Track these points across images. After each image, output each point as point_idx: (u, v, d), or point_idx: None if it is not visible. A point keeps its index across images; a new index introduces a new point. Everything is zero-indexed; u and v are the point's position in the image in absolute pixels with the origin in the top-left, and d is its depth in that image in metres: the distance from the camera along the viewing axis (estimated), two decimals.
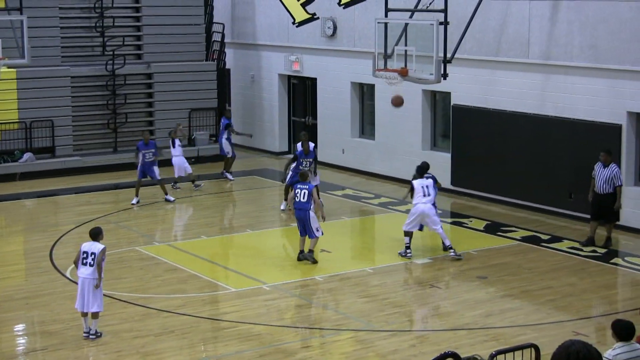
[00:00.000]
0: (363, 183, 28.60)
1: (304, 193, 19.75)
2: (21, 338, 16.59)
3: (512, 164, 24.88)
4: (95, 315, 15.56)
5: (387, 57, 23.65)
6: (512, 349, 11.13)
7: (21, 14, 28.25)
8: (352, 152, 30.38)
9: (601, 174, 20.98)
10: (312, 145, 24.61)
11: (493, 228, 23.08)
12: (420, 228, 20.62)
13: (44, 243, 21.93)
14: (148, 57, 32.73)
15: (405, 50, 22.99)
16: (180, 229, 23.51)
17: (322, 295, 18.18)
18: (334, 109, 30.96)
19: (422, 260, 20.50)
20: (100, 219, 23.42)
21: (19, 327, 17.01)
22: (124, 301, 17.59)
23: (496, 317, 16.64)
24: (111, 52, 31.70)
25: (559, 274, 19.24)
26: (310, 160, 24.18)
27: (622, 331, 10.55)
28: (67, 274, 19.30)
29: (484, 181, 25.76)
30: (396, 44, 23.43)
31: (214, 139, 32.97)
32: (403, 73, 22.89)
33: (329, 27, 30.73)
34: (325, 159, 31.22)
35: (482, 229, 23.10)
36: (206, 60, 33.80)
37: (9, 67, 28.93)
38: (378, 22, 23.97)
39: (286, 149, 33.65)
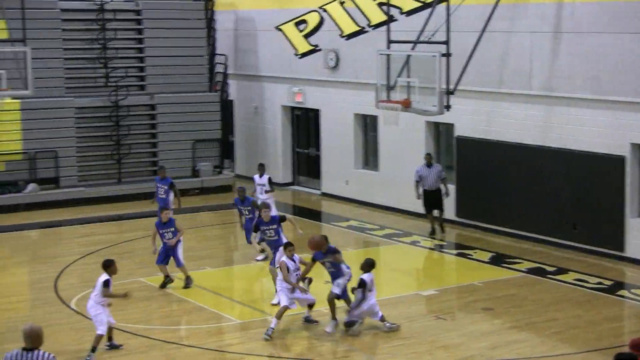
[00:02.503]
0: (367, 214, 28.59)
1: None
2: None
3: (515, 196, 24.88)
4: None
5: (389, 88, 23.74)
6: None
7: (25, 45, 28.34)
8: (355, 183, 30.39)
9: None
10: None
11: (498, 259, 23.05)
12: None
13: (48, 274, 21.91)
14: (151, 88, 32.83)
15: (408, 82, 23.09)
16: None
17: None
18: (337, 140, 31.00)
19: (428, 291, 20.47)
20: (104, 250, 23.41)
21: None
22: (128, 332, 17.56)
23: (502, 349, 16.59)
24: (114, 83, 31.81)
25: (564, 306, 19.20)
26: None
27: None
28: (72, 305, 19.27)
29: (488, 212, 25.75)
30: (399, 76, 23.54)
31: (218, 170, 33.03)
32: (405, 104, 22.97)
33: (331, 59, 30.82)
34: (328, 190, 31.29)
35: (487, 260, 23.07)
36: (209, 91, 33.89)
37: (12, 98, 29.07)
38: (380, 54, 24.07)
39: (290, 180, 33.67)
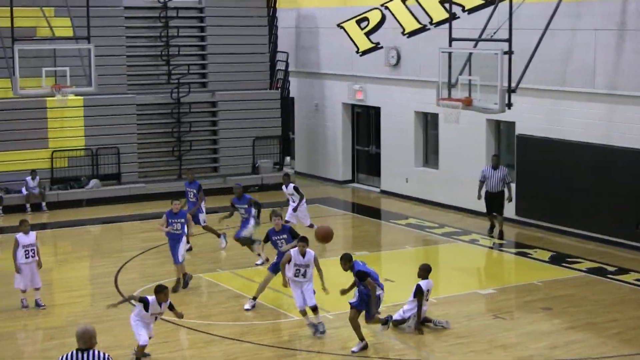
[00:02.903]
0: (426, 212, 28.50)
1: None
2: None
3: (577, 195, 24.63)
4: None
5: (451, 86, 23.62)
6: None
7: (89, 42, 28.60)
8: (415, 181, 30.30)
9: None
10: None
11: (558, 259, 22.85)
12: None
13: (109, 269, 22.13)
14: (213, 86, 33.01)
15: (469, 80, 22.97)
16: (243, 256, 23.49)
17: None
18: (397, 138, 30.93)
19: (486, 290, 20.35)
20: (164, 245, 23.47)
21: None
22: (188, 328, 17.67)
23: (561, 350, 16.44)
24: (176, 81, 32.02)
25: (625, 307, 18.97)
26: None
27: None
28: (132, 300, 19.40)
29: (549, 212, 25.53)
30: (460, 74, 23.41)
31: (278, 167, 33.12)
32: (467, 102, 22.86)
33: (392, 57, 30.76)
34: (388, 188, 31.24)
35: (547, 259, 22.88)
36: (270, 88, 33.98)
37: (76, 95, 29.36)
38: (442, 52, 23.96)
39: (350, 177, 33.66)
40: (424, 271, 17.66)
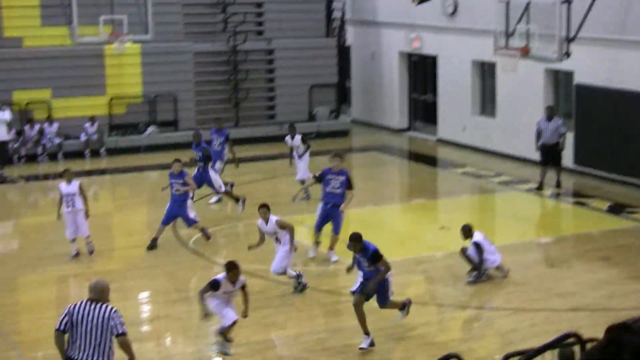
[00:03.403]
0: (483, 161, 28.38)
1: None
2: (146, 305, 16.97)
3: (636, 144, 24.37)
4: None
5: (508, 35, 23.41)
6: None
7: None
8: (472, 130, 30.18)
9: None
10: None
11: (616, 209, 22.68)
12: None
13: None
14: (269, 34, 32.99)
15: (527, 29, 22.75)
16: (300, 204, 23.61)
17: (442, 272, 18.10)
18: (454, 87, 30.78)
19: (544, 239, 20.31)
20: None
21: (143, 295, 17.41)
22: (247, 272, 17.79)
23: (619, 299, 16.38)
24: (233, 29, 32.04)
25: None
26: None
27: None
28: (190, 245, 19.64)
29: (607, 161, 25.29)
30: (518, 23, 23.19)
31: (334, 114, 33.14)
32: (524, 51, 22.67)
33: (449, 5, 30.51)
34: (445, 137, 31.16)
35: (605, 209, 22.72)
36: (327, 36, 33.90)
37: (133, 43, 29.51)
38: (499, 1, 23.73)
39: (406, 126, 33.60)
40: (468, 230, 17.43)
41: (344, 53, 34.63)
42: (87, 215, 18.81)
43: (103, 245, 19.76)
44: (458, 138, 30.70)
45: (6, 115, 27.25)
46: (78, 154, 29.01)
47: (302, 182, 22.75)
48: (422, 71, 33.16)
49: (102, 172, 28.13)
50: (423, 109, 33.29)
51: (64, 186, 18.72)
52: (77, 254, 18.96)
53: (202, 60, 31.75)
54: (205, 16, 32.58)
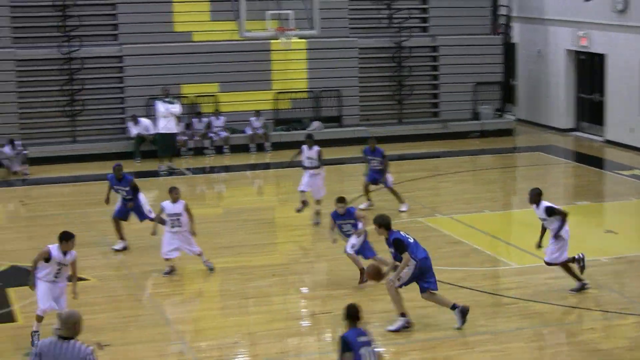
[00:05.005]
0: None
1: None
2: (306, 300, 17.09)
3: None
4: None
5: None
6: None
7: None
8: None
9: None
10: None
11: None
12: None
13: (330, 209, 22.39)
14: (434, 30, 32.86)
15: None
16: (462, 203, 23.44)
17: (607, 277, 17.69)
18: (623, 86, 30.03)
19: None
20: (384, 188, 23.62)
21: (304, 289, 17.56)
22: None
23: None
24: (398, 25, 32.03)
25: None
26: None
27: None
28: None
29: None
30: None
31: (499, 113, 32.79)
32: None
33: (619, 2, 29.78)
34: (612, 138, 30.46)
35: None
36: (492, 34, 33.55)
37: (299, 38, 29.83)
38: None
39: (572, 126, 32.96)
40: (538, 195, 16.49)
41: (509, 51, 34.20)
42: (193, 233, 17.82)
43: (265, 239, 20.02)
44: (626, 139, 29.93)
45: (176, 108, 27.90)
46: (243, 148, 29.49)
47: (319, 201, 21.59)
48: (589, 70, 32.45)
49: (266, 166, 28.54)
50: (590, 109, 32.59)
51: (169, 206, 17.65)
52: (170, 272, 18.00)
53: (366, 56, 31.86)
54: (370, 11, 32.67)
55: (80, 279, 15.72)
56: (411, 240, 14.82)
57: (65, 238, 14.28)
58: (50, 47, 29.17)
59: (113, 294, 17.08)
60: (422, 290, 14.86)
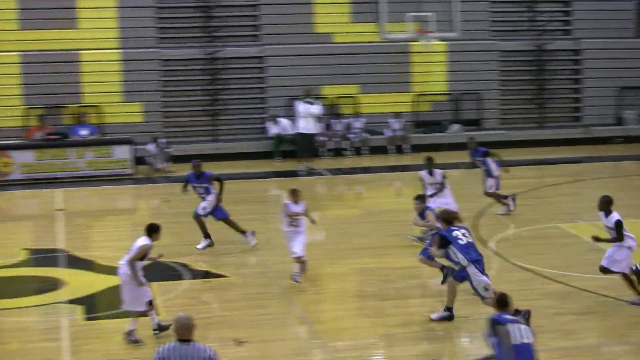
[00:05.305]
0: None
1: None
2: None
3: None
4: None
5: None
6: None
7: None
8: None
9: None
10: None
11: None
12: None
13: (466, 214, 22.26)
14: (577, 33, 32.37)
15: None
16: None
17: None
18: None
19: None
20: (524, 193, 23.42)
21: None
22: (545, 277, 17.55)
23: None
24: (539, 27, 31.62)
25: None
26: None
27: None
28: (492, 246, 19.54)
29: None
30: None
31: None
32: None
33: None
34: None
35: None
36: (637, 37, 32.84)
37: (440, 40, 29.72)
38: None
39: None
40: (607, 203, 16.17)
41: None
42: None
43: (403, 241, 19.97)
44: None
45: (315, 109, 28.10)
46: (382, 149, 29.52)
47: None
48: None
49: (405, 168, 28.49)
50: None
51: (292, 206, 17.62)
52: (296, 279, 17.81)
53: (507, 58, 31.57)
54: (511, 14, 32.35)
55: (219, 276, 15.96)
56: (462, 242, 14.71)
57: (155, 230, 14.73)
58: (193, 48, 29.76)
59: (251, 291, 17.27)
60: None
